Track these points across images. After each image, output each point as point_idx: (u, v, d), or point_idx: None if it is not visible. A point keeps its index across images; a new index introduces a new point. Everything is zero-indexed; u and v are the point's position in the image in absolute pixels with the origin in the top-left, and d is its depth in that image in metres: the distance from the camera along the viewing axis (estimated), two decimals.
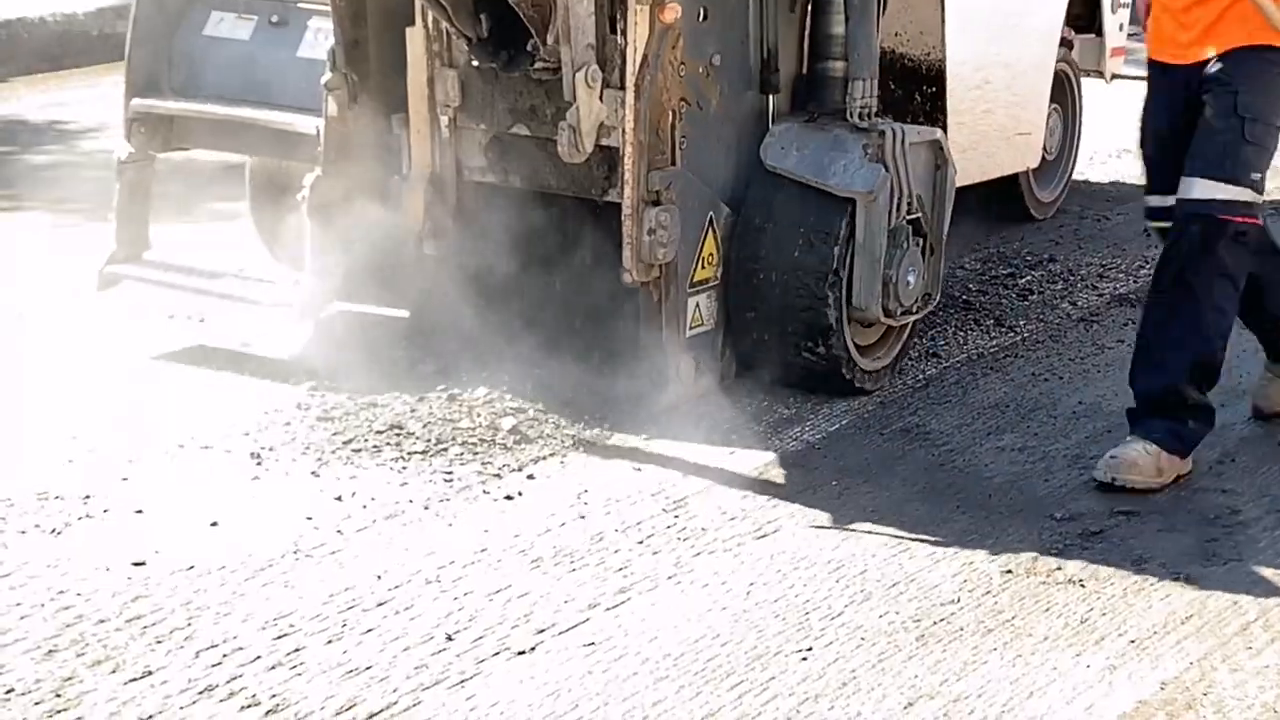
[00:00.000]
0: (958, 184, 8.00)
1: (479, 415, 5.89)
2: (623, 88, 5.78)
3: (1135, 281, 7.90)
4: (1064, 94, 9.60)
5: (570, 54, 5.58)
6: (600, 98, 5.79)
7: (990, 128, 8.33)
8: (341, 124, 6.21)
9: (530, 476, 5.50)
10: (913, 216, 6.32)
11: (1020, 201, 9.27)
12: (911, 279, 6.31)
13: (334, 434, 5.73)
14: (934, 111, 7.84)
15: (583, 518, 5.21)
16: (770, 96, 6.32)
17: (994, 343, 7.01)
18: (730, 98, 6.18)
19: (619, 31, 5.82)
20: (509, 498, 5.35)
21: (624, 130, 5.77)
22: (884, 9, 6.37)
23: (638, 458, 5.71)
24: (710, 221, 6.14)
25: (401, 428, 5.78)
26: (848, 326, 6.21)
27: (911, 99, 7.96)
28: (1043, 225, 9.01)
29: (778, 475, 5.63)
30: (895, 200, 6.16)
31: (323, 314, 6.45)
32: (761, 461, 5.72)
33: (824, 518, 5.27)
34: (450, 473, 5.49)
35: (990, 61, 8.23)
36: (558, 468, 5.59)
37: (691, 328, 6.15)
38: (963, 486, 5.56)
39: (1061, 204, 9.51)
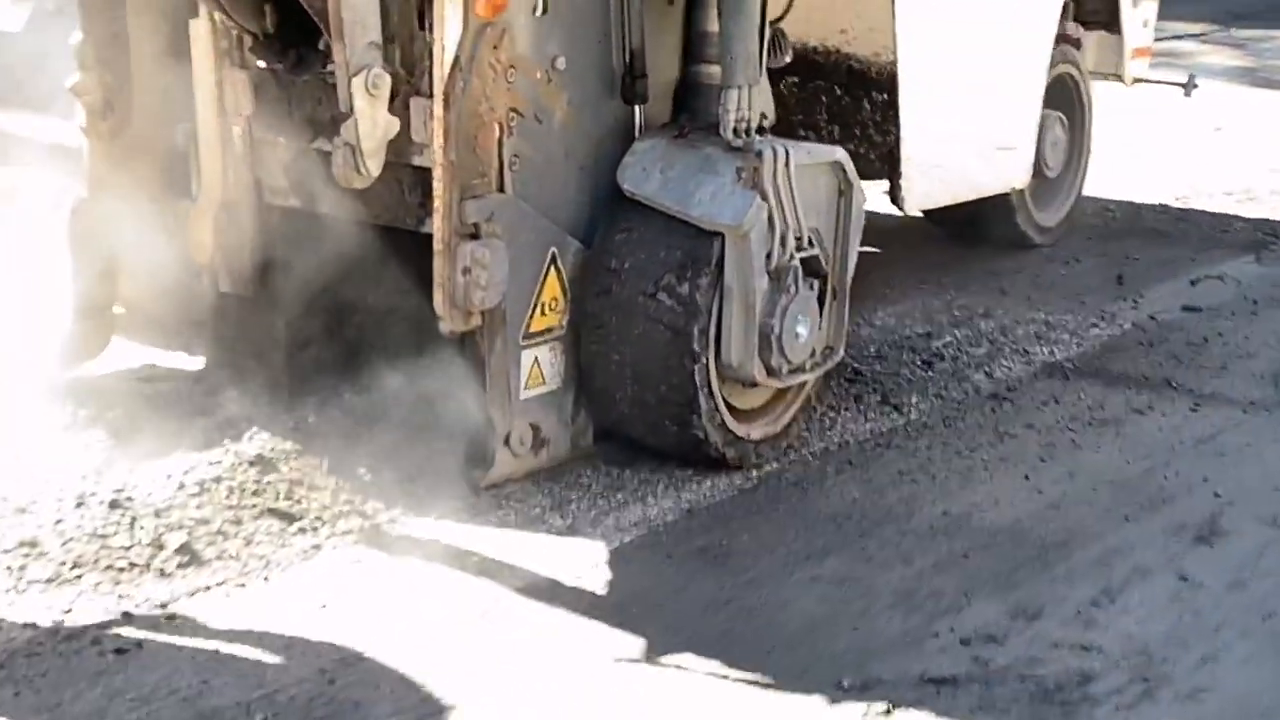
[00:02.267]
0: (917, 209, 7.72)
1: (142, 529, 5.31)
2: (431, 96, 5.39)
3: (1078, 345, 7.49)
4: (1069, 101, 9.21)
5: (345, 53, 5.17)
6: (390, 108, 5.37)
7: (960, 141, 7.91)
8: (101, 136, 5.82)
9: (170, 617, 4.85)
10: (805, 254, 5.90)
11: (1012, 226, 8.88)
12: (802, 330, 5.91)
13: None
14: (885, 122, 7.53)
15: (185, 699, 4.48)
16: (637, 107, 5.93)
17: (868, 427, 6.50)
18: (582, 108, 5.82)
19: (427, 27, 5.42)
20: (119, 651, 4.67)
21: (433, 148, 5.37)
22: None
23: (372, 568, 5.26)
24: (553, 259, 5.78)
25: (36, 545, 5.21)
26: (717, 388, 5.80)
27: (859, 107, 7.63)
28: (995, 268, 8.65)
29: (534, 600, 5.11)
30: (777, 234, 5.75)
31: (89, 362, 6.06)
32: (525, 581, 5.21)
33: (551, 672, 4.74)
34: (68, 610, 4.87)
35: (959, 65, 7.79)
36: (220, 600, 4.99)
37: (528, 387, 5.78)
38: (742, 635, 4.91)
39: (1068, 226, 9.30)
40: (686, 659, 4.77)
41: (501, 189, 5.57)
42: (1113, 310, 7.97)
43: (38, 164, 6.37)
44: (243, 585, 5.04)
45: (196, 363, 6.40)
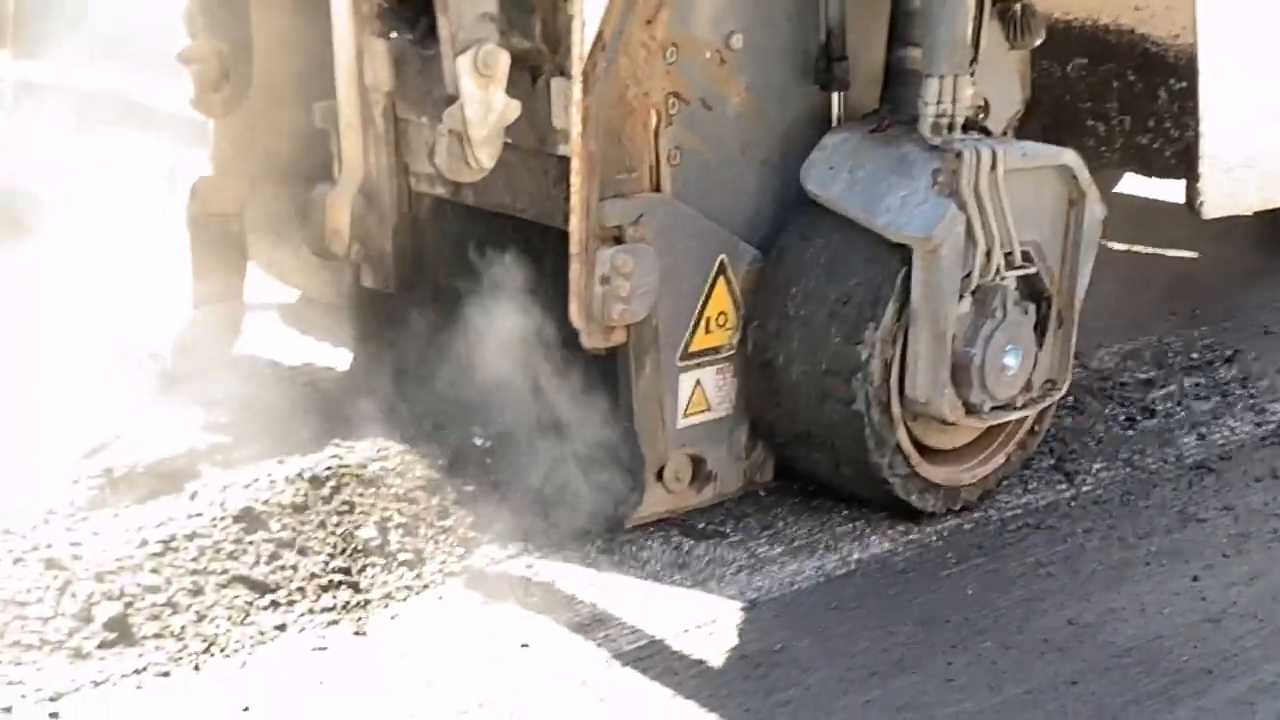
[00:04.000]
0: (1217, 214, 7.27)
1: (74, 595, 4.90)
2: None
3: None
4: None
5: (450, 27, 4.96)
6: (532, 88, 5.19)
7: (1275, 139, 7.39)
8: (213, 110, 5.73)
9: (53, 715, 4.48)
10: (1019, 273, 5.52)
11: None
12: (1011, 361, 5.58)
13: None
14: (1183, 114, 7.10)
15: None
16: (835, 94, 5.62)
17: (1024, 500, 5.94)
18: (765, 94, 5.58)
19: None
20: None
21: (571, 138, 5.15)
22: None
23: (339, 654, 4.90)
24: (721, 268, 5.54)
25: None
26: (902, 426, 5.48)
27: (1155, 96, 7.20)
28: (1272, 299, 8.01)
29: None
30: (979, 250, 5.41)
31: (208, 355, 5.98)
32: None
33: None
34: None
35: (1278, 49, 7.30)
36: (126, 693, 4.58)
37: (687, 414, 5.55)
38: None
39: None
40: None
41: (656, 187, 5.34)
42: None
43: (160, 133, 6.35)
44: (165, 674, 4.67)
45: (339, 361, 6.33)
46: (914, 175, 5.42)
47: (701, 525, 5.56)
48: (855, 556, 5.46)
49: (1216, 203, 7.30)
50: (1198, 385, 6.95)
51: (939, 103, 5.45)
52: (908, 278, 5.39)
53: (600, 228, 5.22)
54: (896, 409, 5.51)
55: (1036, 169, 5.60)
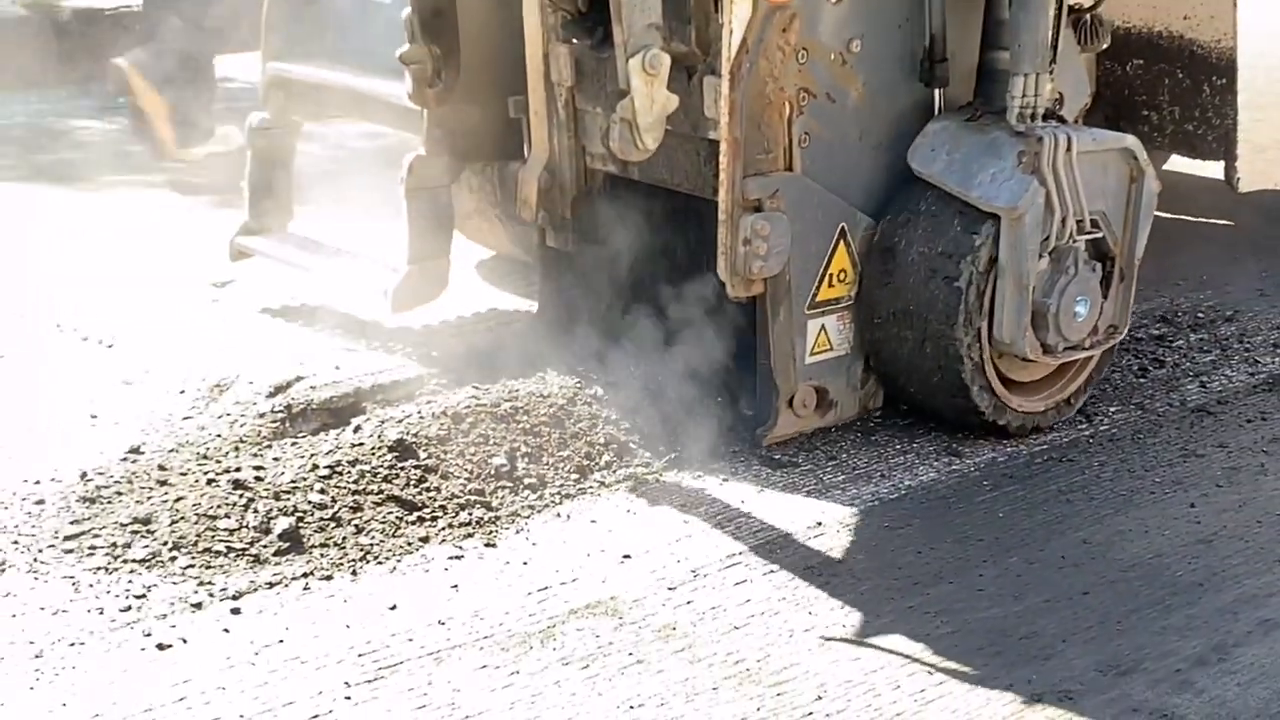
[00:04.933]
0: (1250, 188, 7.23)
1: (255, 511, 4.93)
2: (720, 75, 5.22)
3: None
4: None
5: (624, 34, 5.01)
6: (688, 85, 5.22)
7: None
8: (427, 102, 5.79)
9: (235, 611, 4.52)
10: (1089, 237, 5.52)
11: None
12: (1081, 309, 5.59)
13: (83, 517, 4.96)
14: (1223, 106, 7.07)
15: (189, 709, 4.11)
16: (936, 90, 5.63)
17: (1049, 438, 5.80)
18: (878, 90, 5.57)
19: (719, 10, 5.24)
20: (161, 647, 4.34)
21: (720, 125, 5.18)
22: None
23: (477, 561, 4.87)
24: (842, 233, 5.56)
25: (148, 522, 4.88)
26: (991, 362, 5.52)
27: (1199, 91, 7.18)
28: (1269, 266, 7.67)
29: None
30: (1056, 218, 5.42)
31: (420, 304, 6.07)
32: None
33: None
34: (142, 595, 4.56)
35: None
36: (296, 594, 4.62)
37: (814, 353, 5.58)
38: (798, 675, 4.29)
39: None
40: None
41: (789, 166, 5.36)
42: None
43: (391, 124, 6.38)
44: (328, 578, 4.71)
45: (525, 309, 6.40)
46: (1002, 156, 5.41)
47: (778, 456, 5.51)
48: (906, 484, 5.37)
49: (1251, 180, 7.28)
50: (1201, 340, 6.72)
51: (1024, 96, 5.42)
52: (996, 240, 5.41)
53: (743, 199, 5.27)
54: (986, 348, 5.51)
55: (1104, 151, 5.58)
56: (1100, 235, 5.64)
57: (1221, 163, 7.26)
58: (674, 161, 5.71)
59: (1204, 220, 8.32)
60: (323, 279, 6.45)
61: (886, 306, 5.58)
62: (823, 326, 5.60)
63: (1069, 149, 5.42)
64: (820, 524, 5.10)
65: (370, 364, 6.06)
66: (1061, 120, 5.64)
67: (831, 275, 5.57)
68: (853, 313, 5.66)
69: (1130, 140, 5.66)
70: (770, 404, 5.57)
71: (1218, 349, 6.64)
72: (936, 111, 5.68)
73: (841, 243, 5.58)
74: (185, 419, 5.66)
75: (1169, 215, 7.97)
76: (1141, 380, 6.29)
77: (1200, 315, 7.00)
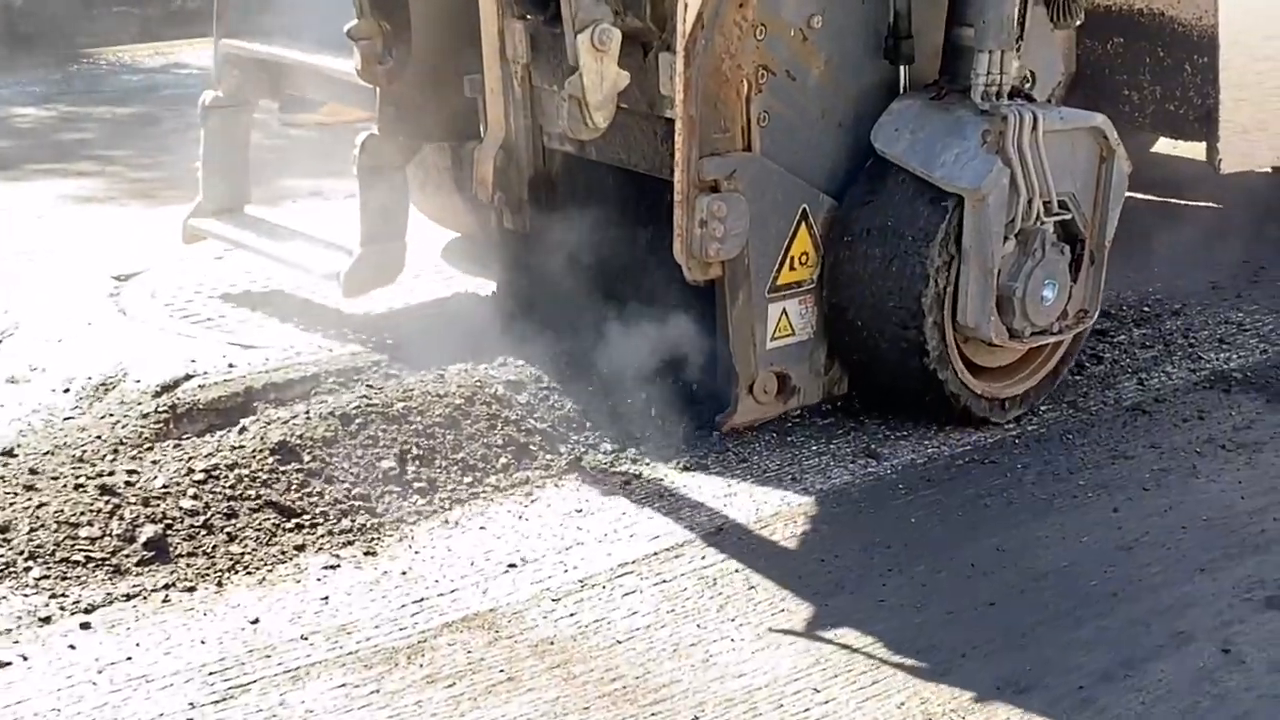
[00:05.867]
0: (1232, 169, 7.14)
1: (121, 518, 4.70)
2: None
3: (1263, 353, 6.37)
4: None
5: (571, 9, 4.93)
6: (643, 62, 5.14)
7: None
8: (376, 80, 5.71)
9: (85, 625, 4.30)
10: (1059, 218, 5.44)
11: None
12: (1049, 293, 5.51)
13: None
14: (1205, 85, 6.98)
15: None
16: (902, 67, 5.55)
17: (974, 438, 5.57)
18: (842, 67, 5.50)
19: None
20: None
21: (675, 103, 5.10)
22: None
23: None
24: (804, 215, 5.48)
25: (6, 530, 4.64)
26: (956, 347, 5.43)
27: (1180, 70, 7.08)
28: (1223, 258, 7.37)
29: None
30: (1022, 199, 5.35)
31: (374, 288, 5.99)
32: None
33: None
34: None
35: None
36: (154, 606, 4.41)
37: (775, 338, 5.50)
38: (678, 692, 4.10)
39: None
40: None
41: (748, 146, 5.29)
42: None
43: (348, 103, 6.30)
44: (191, 589, 4.49)
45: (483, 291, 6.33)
46: (966, 136, 5.33)
47: (687, 459, 5.30)
48: (817, 487, 5.15)
49: (1233, 161, 7.19)
50: (1144, 335, 6.49)
51: (988, 74, 5.35)
52: (960, 222, 5.34)
53: (699, 180, 5.19)
54: (950, 332, 5.44)
55: (1072, 130, 5.51)
56: (1069, 217, 5.56)
57: (1204, 143, 7.21)
58: (631, 141, 5.65)
59: (1185, 202, 8.24)
60: (276, 263, 6.37)
61: (849, 290, 5.50)
62: (784, 311, 5.52)
63: (1035, 128, 5.35)
64: (722, 530, 4.92)
65: (270, 359, 5.85)
66: (1029, 99, 5.56)
67: (793, 258, 5.50)
68: (815, 296, 5.58)
69: (1099, 119, 5.58)
70: (730, 390, 5.51)
71: (1160, 344, 6.43)
72: (902, 89, 5.60)
73: (803, 224, 5.50)
74: (66, 419, 5.44)
75: (1147, 197, 7.91)
76: (1077, 377, 6.05)
77: (1146, 309, 6.79)
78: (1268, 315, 6.75)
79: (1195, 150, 7.41)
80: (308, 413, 5.11)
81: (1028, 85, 5.65)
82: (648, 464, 5.30)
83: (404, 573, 4.62)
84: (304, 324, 6.21)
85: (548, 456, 5.26)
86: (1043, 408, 5.78)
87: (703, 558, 4.73)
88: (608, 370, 5.54)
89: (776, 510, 5.03)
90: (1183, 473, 5.35)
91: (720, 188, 5.22)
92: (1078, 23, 5.98)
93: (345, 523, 4.81)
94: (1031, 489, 5.23)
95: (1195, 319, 6.70)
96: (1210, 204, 8.15)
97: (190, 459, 4.94)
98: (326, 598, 4.47)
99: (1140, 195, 7.94)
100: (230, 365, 5.79)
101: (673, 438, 5.41)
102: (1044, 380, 5.78)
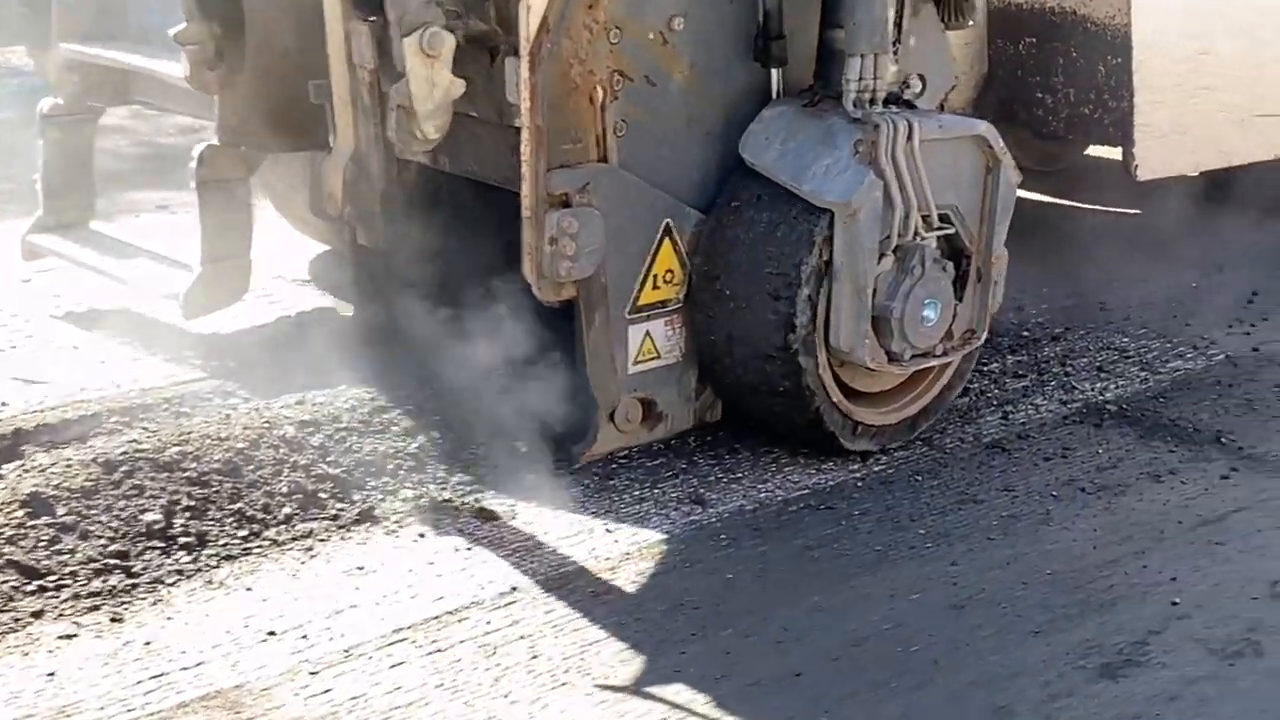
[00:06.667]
0: (1150, 176, 6.87)
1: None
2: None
3: (1143, 382, 5.97)
4: None
5: (396, 11, 4.60)
6: (492, 67, 4.82)
7: (1211, 108, 6.96)
8: (207, 86, 5.39)
9: None
10: (941, 232, 5.14)
11: None
12: (931, 313, 5.20)
13: None
14: (1119, 87, 6.70)
15: None
16: (774, 71, 5.23)
17: (812, 480, 5.14)
18: (708, 72, 5.20)
19: None
20: None
21: (521, 112, 4.79)
22: None
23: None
24: (668, 230, 5.17)
25: None
26: (831, 372, 5.12)
27: (1094, 70, 6.80)
28: (1120, 275, 7.08)
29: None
30: (898, 214, 5.04)
31: (216, 309, 5.66)
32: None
33: None
34: None
35: (1212, 28, 6.85)
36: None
37: (638, 361, 5.19)
38: None
39: None
40: None
41: (604, 157, 4.97)
42: (1214, 337, 6.53)
43: (195, 112, 5.96)
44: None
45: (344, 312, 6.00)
46: (838, 145, 5.02)
47: (494, 505, 4.87)
48: (631, 539, 4.71)
49: (1151, 167, 6.89)
50: (1018, 363, 6.15)
51: (860, 79, 5.05)
52: (831, 238, 5.03)
53: (548, 194, 4.87)
54: (823, 356, 5.13)
55: (953, 139, 5.20)
56: (952, 231, 5.26)
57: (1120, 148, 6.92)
58: (483, 152, 5.33)
59: (1097, 209, 7.94)
60: (116, 282, 6.02)
61: (716, 311, 5.19)
62: (647, 333, 5.21)
63: (910, 137, 5.03)
64: (515, 589, 4.46)
65: (48, 397, 5.40)
66: (909, 105, 5.26)
67: (656, 276, 5.18)
68: (683, 316, 5.28)
69: (983, 126, 5.27)
70: (589, 418, 5.20)
71: (1034, 373, 6.06)
72: (775, 95, 5.29)
73: (667, 240, 5.18)
74: None
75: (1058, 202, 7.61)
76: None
77: (1026, 334, 6.44)
78: (1155, 340, 6.42)
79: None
80: (69, 459, 4.68)
81: (913, 90, 5.34)
82: (451, 511, 4.89)
83: (148, 643, 4.13)
84: (113, 354, 5.81)
85: (338, 506, 4.83)
86: (894, 445, 5.35)
87: (487, 622, 4.28)
88: (455, 399, 5.22)
89: (581, 565, 4.60)
90: (1034, 519, 4.95)
91: (571, 202, 4.90)
92: (970, 23, 5.68)
93: (95, 584, 4.34)
94: (866, 538, 4.80)
95: (1076, 344, 6.35)
96: (1128, 211, 7.89)
97: None
98: (53, 673, 3.98)
99: (1052, 200, 7.68)
100: (2, 404, 5.36)
101: (506, 475, 5.03)
102: (930, 406, 5.48)
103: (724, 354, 5.20)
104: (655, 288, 5.19)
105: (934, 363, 5.32)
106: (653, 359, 5.24)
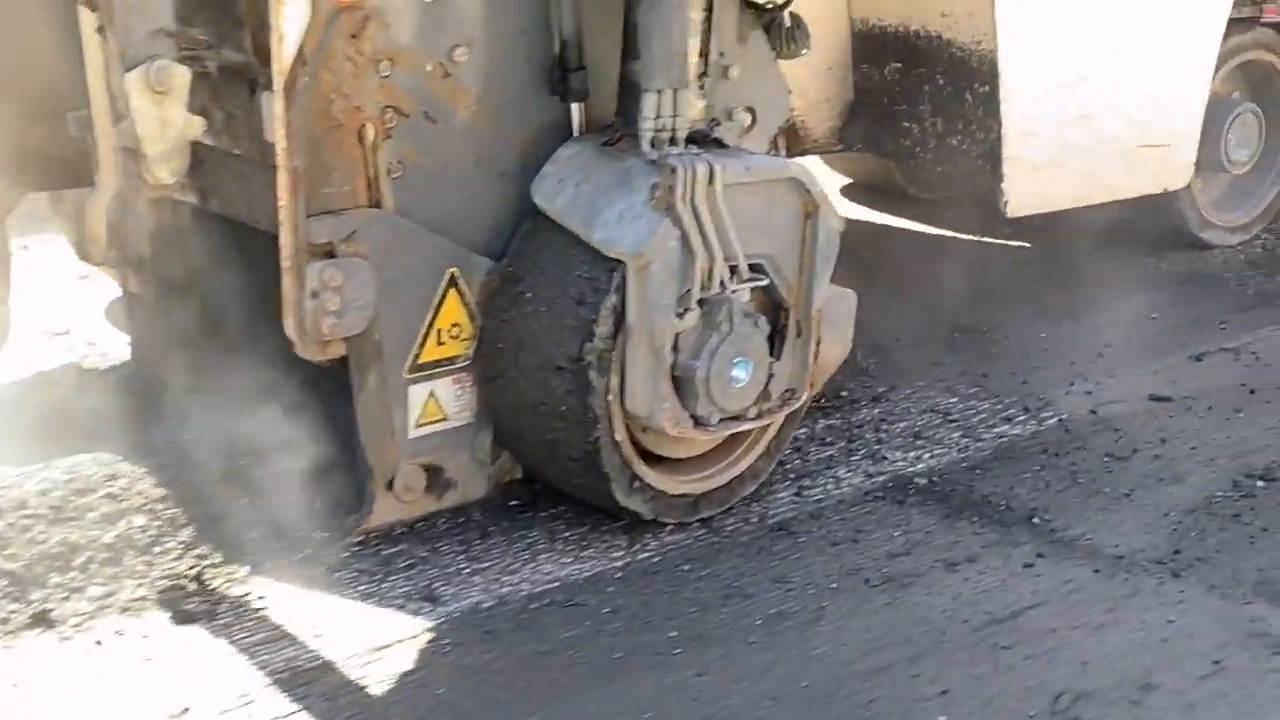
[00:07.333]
0: (1021, 213, 6.48)
1: None
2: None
3: (960, 451, 5.47)
4: (1267, 90, 7.77)
5: (118, 44, 4.17)
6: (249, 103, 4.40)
7: (1089, 139, 6.60)
8: None
9: None
10: (751, 285, 4.72)
11: (1180, 229, 7.62)
12: (741, 373, 4.76)
13: None
14: (986, 117, 6.32)
15: None
16: (574, 105, 4.80)
17: (564, 573, 4.61)
18: (501, 107, 4.76)
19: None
20: None
21: (277, 152, 4.36)
22: None
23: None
24: (453, 280, 4.72)
25: None
26: (628, 436, 4.73)
27: (961, 100, 6.41)
28: (969, 324, 6.66)
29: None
30: (698, 265, 4.60)
31: None
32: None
33: None
34: None
35: (1090, 53, 6.46)
36: None
37: (420, 424, 4.75)
38: None
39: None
40: None
41: (377, 202, 4.53)
42: (1051, 397, 6.00)
43: None
44: None
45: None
46: (634, 189, 4.60)
47: (199, 606, 4.29)
48: (339, 650, 4.14)
49: (1020, 203, 6.50)
50: (829, 428, 5.63)
51: (657, 117, 4.64)
52: (621, 292, 4.61)
53: (309, 243, 4.43)
54: (621, 421, 4.70)
55: (764, 182, 4.74)
56: (766, 283, 4.84)
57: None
58: (251, 194, 4.86)
59: (984, 242, 7.54)
60: None
61: (506, 368, 4.76)
62: (431, 392, 4.79)
63: (711, 181, 4.60)
64: (187, 711, 3.87)
65: None
66: (718, 144, 4.83)
67: (440, 331, 4.75)
68: (473, 374, 4.87)
69: (795, 168, 4.83)
70: (361, 488, 4.77)
71: (843, 440, 5.53)
72: (576, 131, 4.87)
73: (452, 291, 4.75)
74: None
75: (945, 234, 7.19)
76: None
77: (845, 394, 5.90)
78: (985, 401, 5.92)
79: None
80: None
81: (738, 125, 4.92)
82: (147, 610, 4.33)
83: None
84: None
85: (10, 609, 4.26)
86: (665, 529, 4.82)
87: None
88: (201, 468, 4.81)
89: (274, 679, 3.99)
90: (805, 617, 4.41)
91: (336, 252, 4.46)
92: (804, 52, 5.27)
93: None
94: (610, 642, 4.26)
95: (898, 405, 5.84)
96: (1010, 244, 7.49)
97: None
98: None
99: (932, 231, 7.29)
100: None
101: (227, 562, 4.53)
102: (747, 472, 5.07)
103: (511, 417, 4.76)
104: (440, 343, 4.76)
105: (745, 426, 4.89)
106: (438, 420, 4.82)
